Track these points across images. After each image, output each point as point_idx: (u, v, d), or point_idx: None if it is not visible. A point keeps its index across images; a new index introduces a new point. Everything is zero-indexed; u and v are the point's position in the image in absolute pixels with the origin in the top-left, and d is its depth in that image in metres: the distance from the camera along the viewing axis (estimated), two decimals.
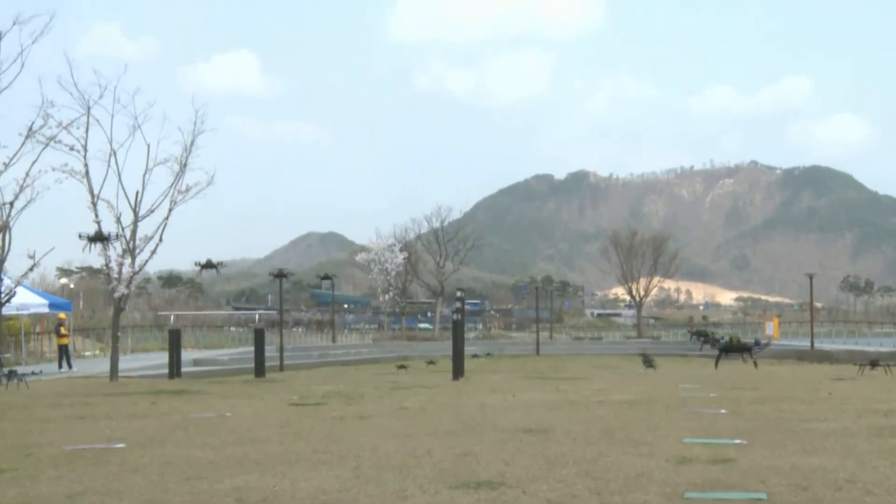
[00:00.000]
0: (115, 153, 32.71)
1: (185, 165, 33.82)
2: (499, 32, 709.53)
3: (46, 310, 44.91)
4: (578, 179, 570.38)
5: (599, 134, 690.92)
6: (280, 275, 46.33)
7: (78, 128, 31.86)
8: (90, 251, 32.70)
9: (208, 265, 36.99)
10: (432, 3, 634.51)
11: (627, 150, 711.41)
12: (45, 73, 31.55)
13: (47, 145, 30.66)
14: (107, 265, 33.02)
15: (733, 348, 45.63)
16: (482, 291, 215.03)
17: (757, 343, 48.41)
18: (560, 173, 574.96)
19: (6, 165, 28.82)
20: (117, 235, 32.48)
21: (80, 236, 31.89)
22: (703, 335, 61.19)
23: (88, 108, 31.97)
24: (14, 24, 29.22)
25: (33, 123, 30.35)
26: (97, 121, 32.38)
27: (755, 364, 41.61)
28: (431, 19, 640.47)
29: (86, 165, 31.97)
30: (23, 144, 29.62)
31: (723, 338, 52.89)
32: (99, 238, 31.98)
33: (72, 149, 31.64)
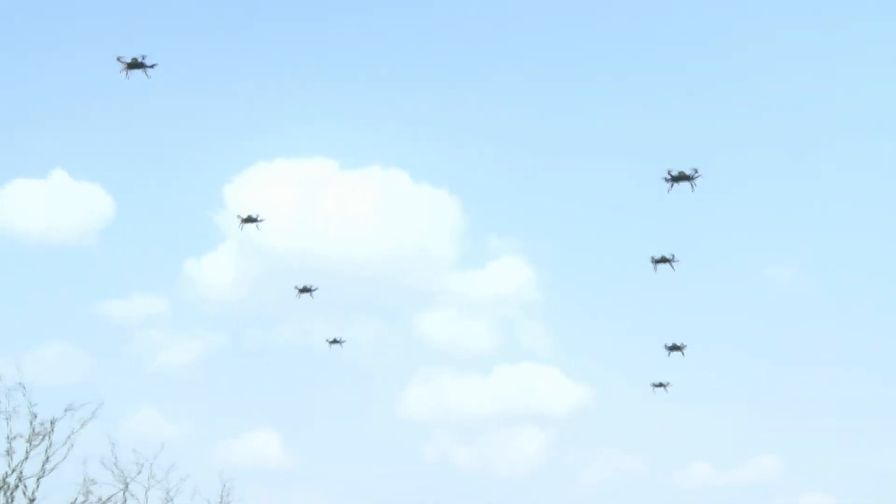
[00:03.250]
0: None
1: None
2: (497, 411, 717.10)
3: None
4: None
5: None
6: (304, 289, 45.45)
7: None
8: (127, 77, 33.28)
9: (249, 219, 37.52)
10: (438, 388, 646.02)
11: None
12: (90, 454, 33.84)
13: None
14: None
15: None
16: None
17: None
18: None
19: None
20: (153, 65, 33.13)
21: (118, 59, 32.71)
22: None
23: (126, 484, 33.96)
24: (66, 411, 32.16)
25: (74, 500, 32.12)
26: (133, 495, 34.33)
27: None
28: (437, 401, 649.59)
29: None
30: None
31: None
32: (135, 65, 32.94)
33: None
